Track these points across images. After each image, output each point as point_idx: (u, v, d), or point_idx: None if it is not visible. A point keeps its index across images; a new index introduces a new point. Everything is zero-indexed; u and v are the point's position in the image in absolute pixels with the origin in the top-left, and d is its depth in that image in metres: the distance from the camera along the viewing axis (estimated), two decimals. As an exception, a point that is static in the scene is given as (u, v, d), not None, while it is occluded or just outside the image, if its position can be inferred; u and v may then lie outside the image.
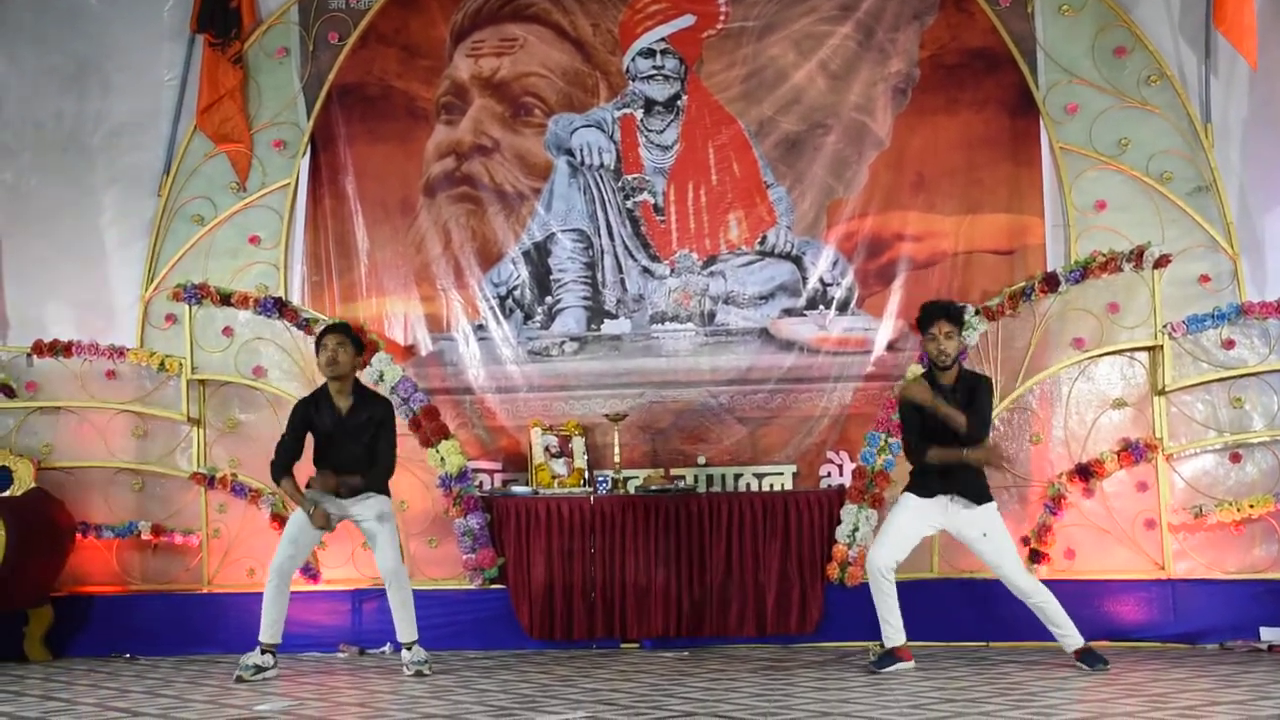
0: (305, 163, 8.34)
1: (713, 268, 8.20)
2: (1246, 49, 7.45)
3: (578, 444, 7.93)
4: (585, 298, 8.24)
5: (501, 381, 8.21)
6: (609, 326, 8.22)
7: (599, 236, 8.27)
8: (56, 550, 7.60)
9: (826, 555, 7.35)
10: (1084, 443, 7.50)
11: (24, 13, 8.57)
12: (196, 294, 7.90)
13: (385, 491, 6.68)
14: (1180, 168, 7.76)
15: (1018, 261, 7.91)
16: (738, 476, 7.97)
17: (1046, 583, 6.36)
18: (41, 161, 8.50)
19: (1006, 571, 6.25)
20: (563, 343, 8.22)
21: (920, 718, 4.78)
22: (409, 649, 6.49)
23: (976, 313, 7.46)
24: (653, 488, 7.60)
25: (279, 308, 7.84)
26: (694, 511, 7.42)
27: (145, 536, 7.85)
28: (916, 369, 7.26)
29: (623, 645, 7.39)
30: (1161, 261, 7.33)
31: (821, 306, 8.09)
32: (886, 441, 7.33)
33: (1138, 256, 7.32)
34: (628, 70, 8.35)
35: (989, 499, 6.29)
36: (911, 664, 6.21)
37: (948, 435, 6.16)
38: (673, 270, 8.22)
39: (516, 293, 8.27)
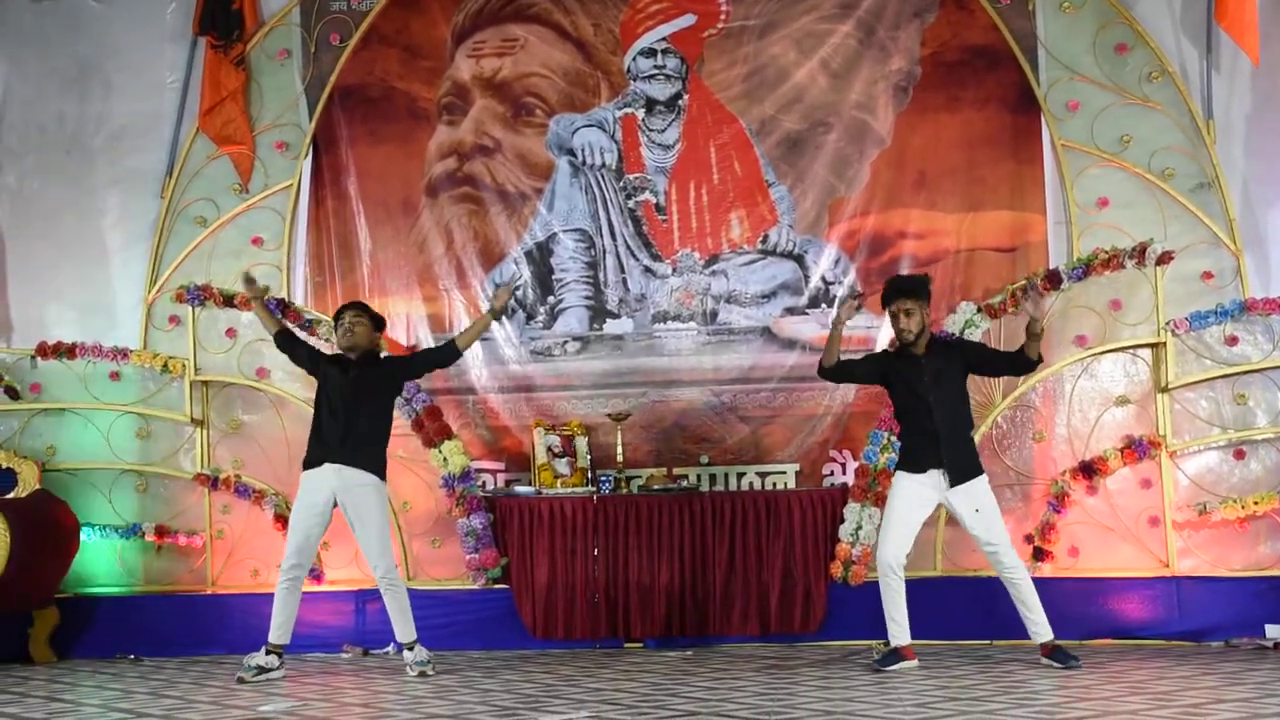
0: (307, 164, 8.36)
1: (715, 267, 8.20)
2: (1248, 44, 7.45)
3: (580, 444, 7.94)
4: (587, 297, 8.25)
5: (504, 381, 8.22)
6: (611, 326, 8.23)
7: (601, 236, 8.27)
8: (61, 552, 7.60)
9: (830, 554, 7.35)
10: (1087, 440, 7.49)
11: (26, 15, 8.59)
12: (199, 295, 7.91)
13: (375, 471, 6.51)
14: (1182, 164, 7.76)
15: (1020, 259, 7.91)
16: (740, 475, 7.97)
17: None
18: (44, 164, 8.52)
19: (996, 546, 6.23)
20: (565, 342, 8.23)
21: (924, 716, 4.78)
22: (410, 649, 6.49)
23: (979, 310, 7.46)
24: (655, 487, 7.60)
25: (282, 308, 7.84)
26: (697, 511, 7.42)
27: (149, 538, 7.87)
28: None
29: (626, 645, 7.40)
30: (1164, 258, 7.31)
31: (824, 305, 8.09)
32: (889, 440, 7.32)
33: (1140, 253, 7.31)
34: (629, 70, 8.35)
35: (979, 472, 6.28)
36: (915, 663, 6.21)
37: (920, 409, 6.24)
38: (675, 269, 8.22)
39: (519, 293, 8.27)
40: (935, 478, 6.25)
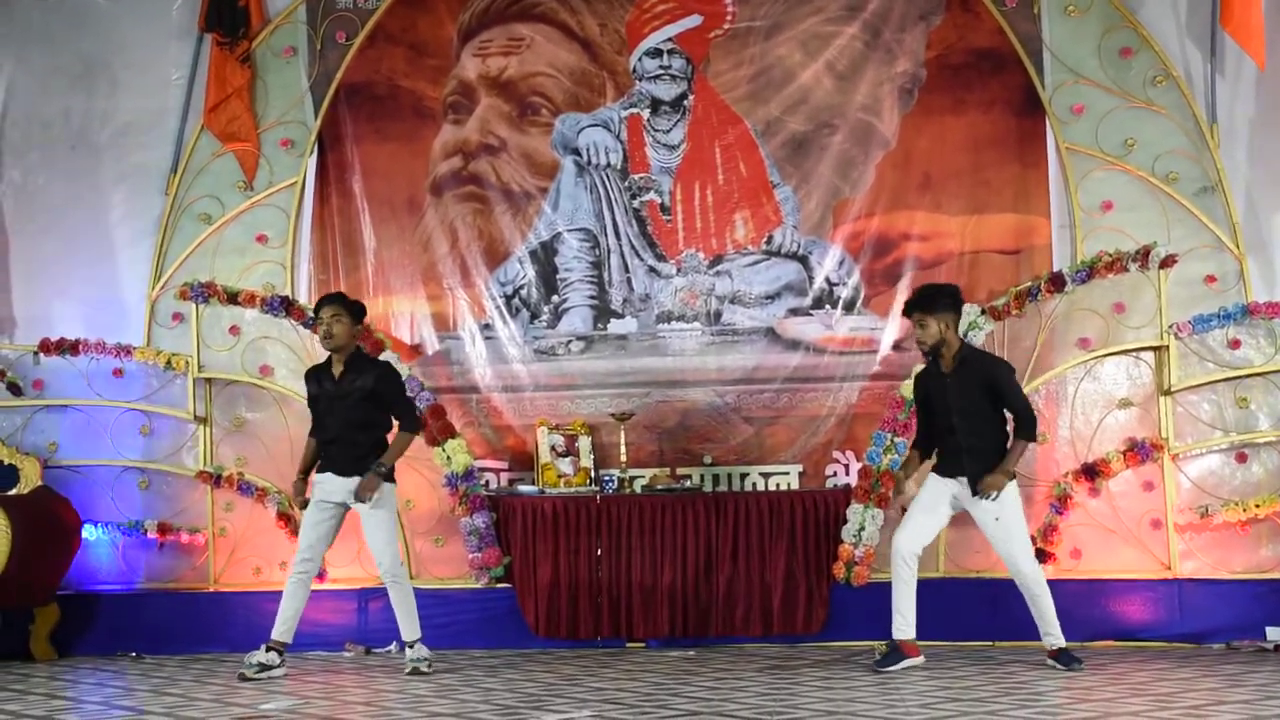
0: (312, 162, 8.35)
1: (719, 267, 8.20)
2: (1254, 49, 7.45)
3: (584, 443, 7.94)
4: (591, 297, 8.25)
5: (508, 380, 8.21)
6: (615, 326, 8.23)
7: (605, 236, 8.27)
8: (62, 548, 7.60)
9: (833, 555, 7.35)
10: (1090, 442, 7.50)
11: (32, 11, 8.58)
12: (203, 292, 7.91)
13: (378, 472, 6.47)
14: (1186, 168, 7.76)
15: (1024, 261, 7.91)
16: (744, 476, 7.97)
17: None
18: (49, 160, 8.51)
19: (1014, 554, 6.25)
20: (569, 342, 8.23)
21: (926, 717, 4.78)
22: (411, 647, 6.49)
23: (983, 312, 7.47)
24: (659, 487, 7.61)
25: (286, 306, 7.85)
26: (700, 511, 7.43)
27: (151, 535, 7.86)
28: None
29: (628, 644, 7.40)
30: (1167, 261, 7.32)
31: (828, 306, 8.09)
32: (893, 441, 7.33)
33: (1144, 256, 7.32)
34: (634, 70, 8.35)
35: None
36: (920, 660, 6.20)
37: (945, 422, 6.27)
38: (679, 270, 8.22)
39: (523, 292, 8.27)
40: (960, 485, 6.28)
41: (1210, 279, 7.63)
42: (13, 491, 7.62)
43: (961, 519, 6.53)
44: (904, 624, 6.26)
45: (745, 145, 8.22)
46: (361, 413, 6.50)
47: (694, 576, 7.38)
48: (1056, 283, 7.43)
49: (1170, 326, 7.38)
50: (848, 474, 7.87)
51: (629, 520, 7.43)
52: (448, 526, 7.71)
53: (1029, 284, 7.52)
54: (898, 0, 8.12)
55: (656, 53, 8.31)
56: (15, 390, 8.06)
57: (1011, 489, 6.26)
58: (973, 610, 7.20)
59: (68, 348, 7.99)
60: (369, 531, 6.49)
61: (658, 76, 8.31)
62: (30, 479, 7.69)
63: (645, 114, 8.31)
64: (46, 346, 8.01)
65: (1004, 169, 8.01)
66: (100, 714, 5.31)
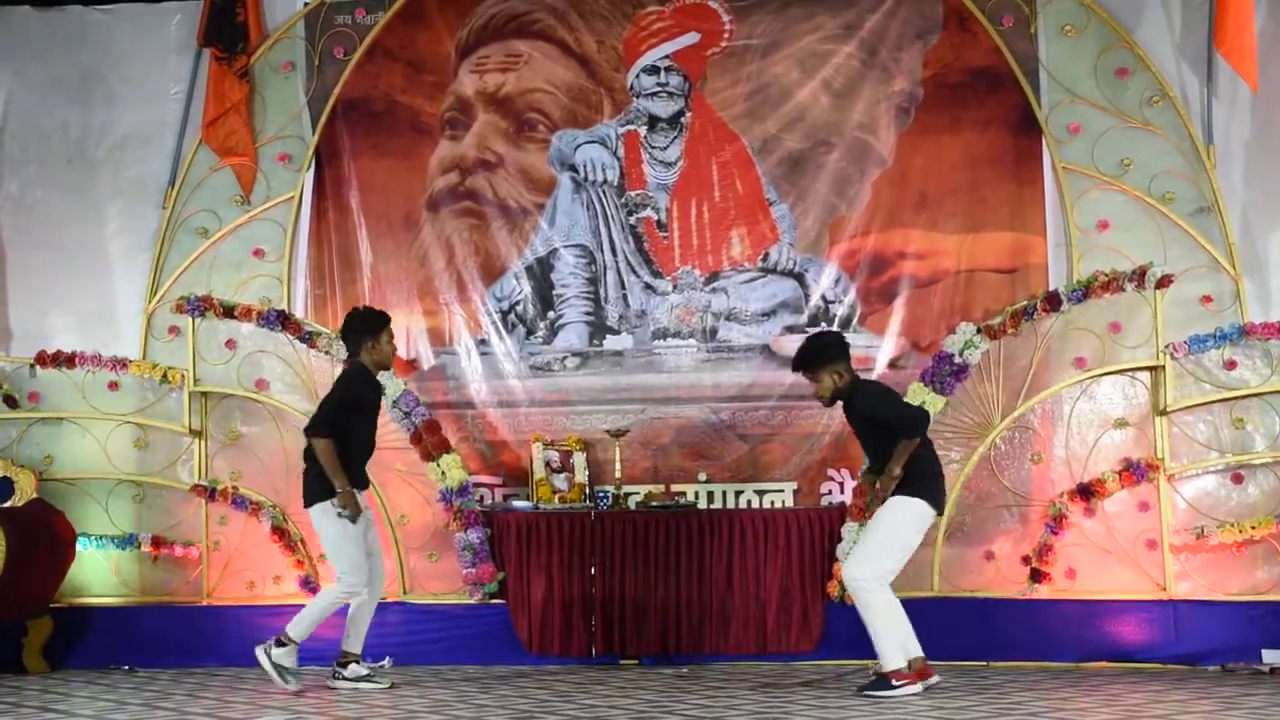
0: (310, 177, 8.38)
1: (715, 284, 8.22)
2: (1246, 71, 7.47)
3: (579, 459, 7.94)
4: (587, 313, 8.26)
5: (503, 396, 8.22)
6: (611, 342, 8.24)
7: (602, 252, 8.29)
8: (56, 561, 7.59)
9: (827, 573, 7.34)
10: (1085, 462, 7.49)
11: (30, 24, 8.61)
12: (200, 306, 7.91)
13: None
14: (1182, 188, 7.78)
15: (1020, 280, 7.93)
16: (738, 493, 7.97)
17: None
18: (46, 173, 8.53)
19: (854, 555, 6.20)
20: (565, 358, 8.24)
21: (919, 736, 4.77)
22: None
23: (978, 331, 7.47)
24: (653, 504, 7.60)
25: (282, 321, 7.85)
26: (694, 528, 7.42)
27: (145, 548, 7.85)
28: (918, 388, 7.28)
29: (622, 661, 7.38)
30: (1163, 282, 7.33)
31: (824, 324, 8.09)
32: (887, 460, 7.32)
33: (1140, 276, 7.33)
34: (632, 87, 8.38)
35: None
36: (918, 687, 6.08)
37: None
38: (675, 286, 8.23)
39: (519, 308, 8.28)
40: None
41: (1206, 299, 7.64)
42: (7, 504, 7.61)
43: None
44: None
45: (742, 163, 8.24)
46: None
47: (688, 594, 7.37)
48: (1052, 302, 7.44)
49: (1166, 347, 7.38)
50: (842, 492, 7.87)
51: (623, 537, 7.42)
52: (442, 542, 7.70)
53: (1025, 303, 7.53)
54: (895, 19, 8.15)
55: (654, 70, 8.34)
56: (11, 403, 8.05)
57: (902, 505, 6.10)
58: (966, 630, 7.18)
59: (64, 360, 7.99)
60: (373, 545, 6.67)
61: (655, 94, 8.34)
62: (25, 491, 7.68)
63: (642, 131, 8.34)
64: (43, 359, 8.02)
65: (1000, 188, 8.04)
66: (91, 728, 5.30)
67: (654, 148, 8.33)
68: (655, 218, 8.28)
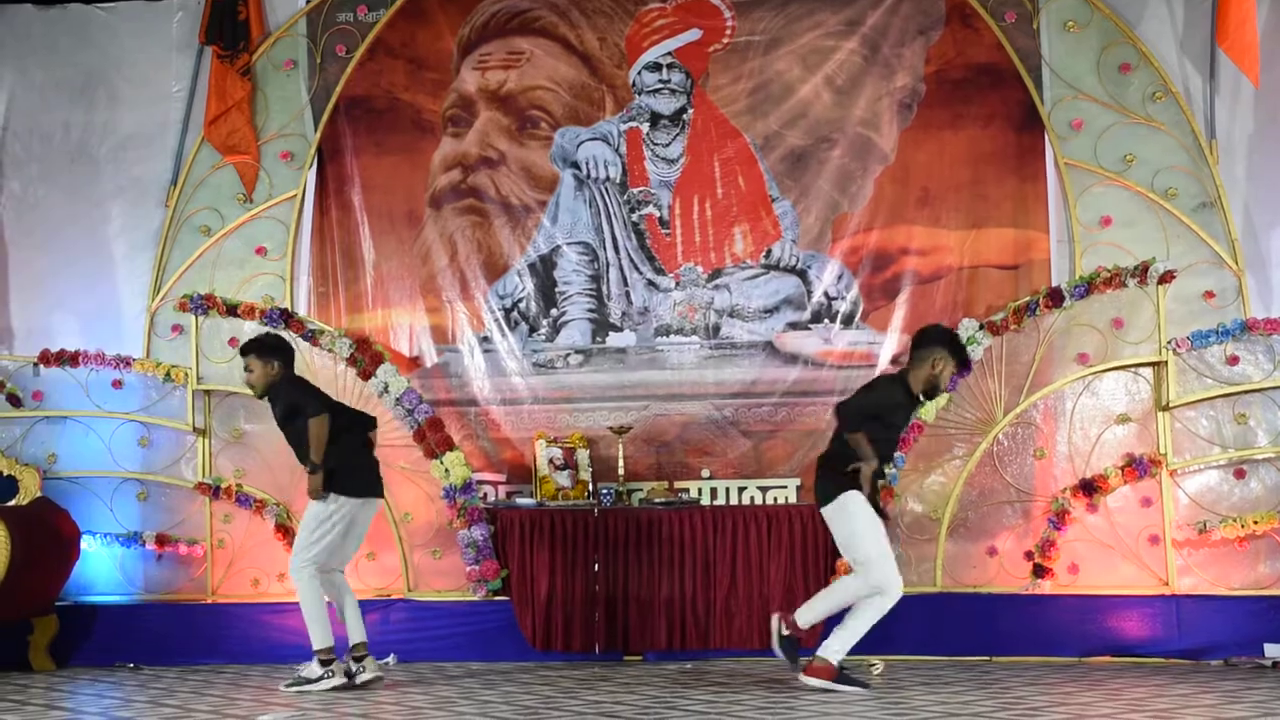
0: (312, 174, 8.38)
1: (718, 281, 8.22)
2: (1248, 66, 7.48)
3: (582, 456, 7.94)
4: (590, 310, 8.26)
5: (506, 393, 8.23)
6: (614, 339, 8.24)
7: (604, 249, 8.29)
8: (61, 559, 7.60)
9: (830, 569, 7.34)
10: (1088, 458, 7.50)
11: (33, 24, 8.61)
12: (203, 304, 7.92)
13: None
14: (1185, 184, 7.78)
15: (1022, 276, 7.92)
16: (742, 490, 7.97)
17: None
18: (49, 173, 8.54)
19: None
20: (568, 355, 8.24)
21: (923, 732, 4.78)
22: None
23: (981, 327, 7.48)
24: (657, 500, 7.61)
25: (285, 319, 7.86)
26: (698, 524, 7.42)
27: (150, 546, 7.87)
28: None
29: (626, 657, 7.39)
30: (1166, 277, 7.34)
31: (826, 320, 8.10)
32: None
33: (1142, 272, 7.33)
34: (634, 84, 8.38)
35: (830, 499, 6.10)
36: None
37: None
38: (678, 283, 8.24)
39: (522, 305, 8.29)
40: None
41: (1209, 295, 7.64)
42: (12, 502, 7.62)
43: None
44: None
45: (744, 159, 8.24)
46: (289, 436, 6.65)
47: (692, 590, 7.38)
48: (1055, 298, 7.44)
49: (1169, 342, 7.38)
50: (846, 488, 7.86)
51: (627, 533, 7.42)
52: (445, 539, 7.71)
53: (1027, 299, 7.53)
54: (897, 15, 8.15)
55: (656, 67, 8.34)
56: (15, 401, 8.07)
57: (844, 498, 6.05)
58: (970, 625, 7.19)
59: (67, 359, 8.01)
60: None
61: (657, 90, 8.34)
62: (29, 490, 7.70)
63: (644, 128, 8.34)
64: (46, 358, 8.03)
65: (1003, 184, 8.03)
66: (96, 726, 5.31)
67: (656, 144, 8.33)
68: (658, 214, 8.28)
